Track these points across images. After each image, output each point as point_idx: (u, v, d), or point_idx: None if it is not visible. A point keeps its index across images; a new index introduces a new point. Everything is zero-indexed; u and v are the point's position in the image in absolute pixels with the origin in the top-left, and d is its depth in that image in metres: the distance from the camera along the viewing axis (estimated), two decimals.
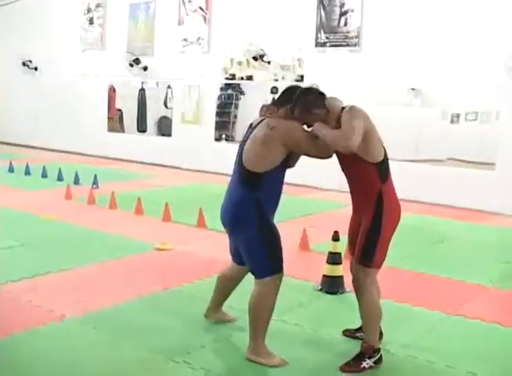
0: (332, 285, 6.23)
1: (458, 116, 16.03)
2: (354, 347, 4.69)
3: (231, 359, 4.63)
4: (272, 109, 4.64)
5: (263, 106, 5.04)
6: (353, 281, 4.62)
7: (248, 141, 4.49)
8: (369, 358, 4.49)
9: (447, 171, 12.41)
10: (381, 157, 4.42)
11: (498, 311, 5.97)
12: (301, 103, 4.48)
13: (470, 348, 5.01)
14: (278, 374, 4.41)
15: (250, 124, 4.64)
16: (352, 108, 4.41)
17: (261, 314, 4.51)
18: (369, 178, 4.43)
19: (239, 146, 4.59)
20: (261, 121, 4.53)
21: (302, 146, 4.41)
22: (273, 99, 4.95)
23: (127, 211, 9.97)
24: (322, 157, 4.53)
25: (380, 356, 4.54)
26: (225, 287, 5.12)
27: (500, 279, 7.09)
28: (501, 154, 11.51)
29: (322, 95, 4.57)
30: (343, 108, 4.49)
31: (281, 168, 4.46)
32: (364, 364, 4.47)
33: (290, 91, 4.65)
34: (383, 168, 4.43)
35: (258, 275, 4.53)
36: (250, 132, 4.53)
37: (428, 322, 5.57)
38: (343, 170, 4.62)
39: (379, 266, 4.55)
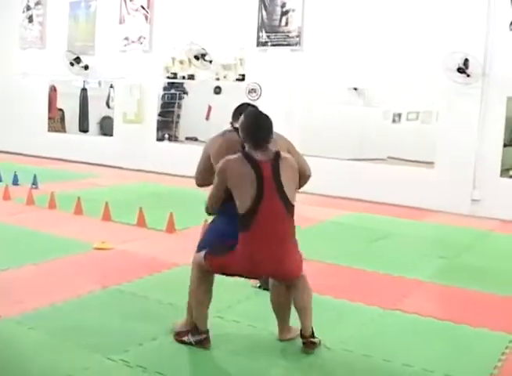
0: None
1: (399, 115, 16.26)
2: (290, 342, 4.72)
3: (169, 356, 4.61)
4: None
5: None
6: None
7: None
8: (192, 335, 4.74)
9: (388, 169, 12.57)
10: (241, 211, 4.41)
11: (434, 305, 6.08)
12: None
13: (406, 342, 5.08)
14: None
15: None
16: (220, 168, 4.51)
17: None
18: None
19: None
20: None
21: None
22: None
23: (66, 211, 9.83)
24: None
25: (206, 338, 4.71)
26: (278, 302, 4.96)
27: (437, 274, 7.21)
28: (440, 153, 11.70)
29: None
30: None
31: None
32: (185, 338, 4.76)
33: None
34: (242, 219, 4.43)
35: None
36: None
37: (366, 317, 5.62)
38: None
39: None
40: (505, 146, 11.37)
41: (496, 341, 5.19)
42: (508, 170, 11.55)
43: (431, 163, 11.96)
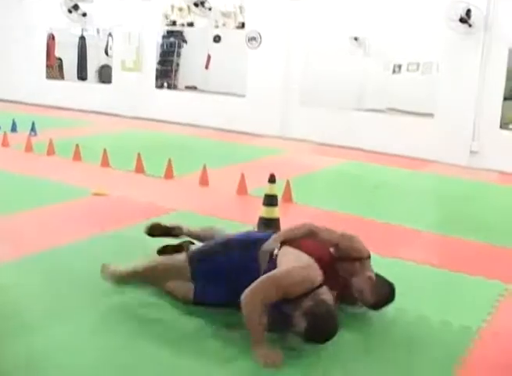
0: (268, 226, 6.12)
1: (400, 66, 16.14)
2: None
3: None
4: None
5: None
6: None
7: None
8: None
9: (388, 119, 12.55)
10: None
11: (432, 254, 6.13)
12: None
13: (403, 289, 5.05)
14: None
15: None
16: None
17: None
18: None
19: None
20: None
21: None
22: None
23: (65, 158, 9.82)
24: None
25: None
26: None
27: (435, 224, 7.24)
28: (439, 104, 11.66)
29: None
30: None
31: None
32: None
33: None
34: None
35: None
36: None
37: None
38: None
39: None
40: (505, 99, 11.30)
41: (491, 289, 5.25)
42: (507, 124, 11.52)
43: (431, 114, 11.92)
